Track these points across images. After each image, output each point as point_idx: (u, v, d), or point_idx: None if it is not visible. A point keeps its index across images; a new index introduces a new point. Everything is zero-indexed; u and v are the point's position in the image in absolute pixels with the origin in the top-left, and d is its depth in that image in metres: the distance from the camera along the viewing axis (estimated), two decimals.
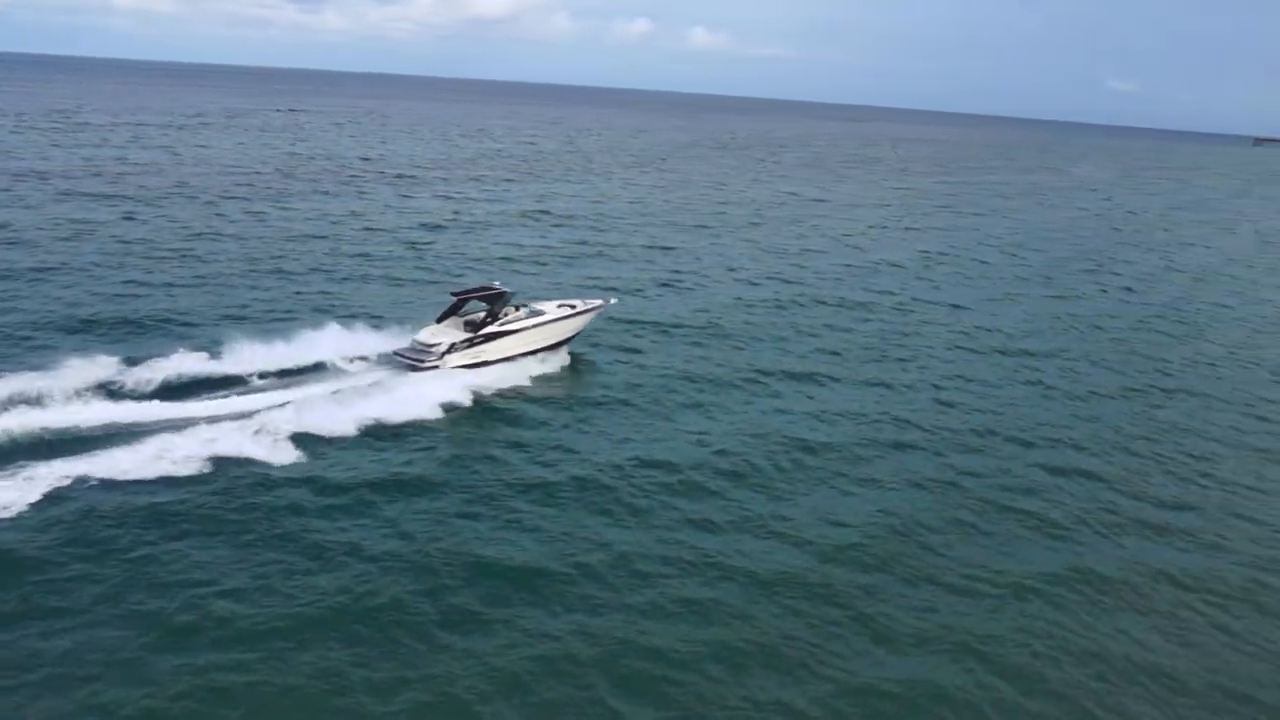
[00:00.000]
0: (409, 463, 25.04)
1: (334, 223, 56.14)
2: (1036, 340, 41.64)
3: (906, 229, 72.59)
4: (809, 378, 33.97)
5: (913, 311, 45.41)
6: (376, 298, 40.02)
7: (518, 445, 26.68)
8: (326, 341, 31.94)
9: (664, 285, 46.96)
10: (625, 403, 30.00)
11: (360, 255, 48.29)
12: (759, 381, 33.05)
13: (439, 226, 57.92)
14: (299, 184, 71.46)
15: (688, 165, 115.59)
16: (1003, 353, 39.05)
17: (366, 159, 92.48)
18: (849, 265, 56.06)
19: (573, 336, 35.17)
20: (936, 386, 33.95)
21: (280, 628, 17.66)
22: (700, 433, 27.75)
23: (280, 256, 46.52)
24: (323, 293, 40.34)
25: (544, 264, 50.05)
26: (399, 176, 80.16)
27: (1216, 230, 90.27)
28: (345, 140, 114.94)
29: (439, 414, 28.27)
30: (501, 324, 32.75)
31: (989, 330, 42.48)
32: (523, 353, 33.24)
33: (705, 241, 59.84)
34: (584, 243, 56.65)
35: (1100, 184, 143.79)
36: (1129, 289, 55.68)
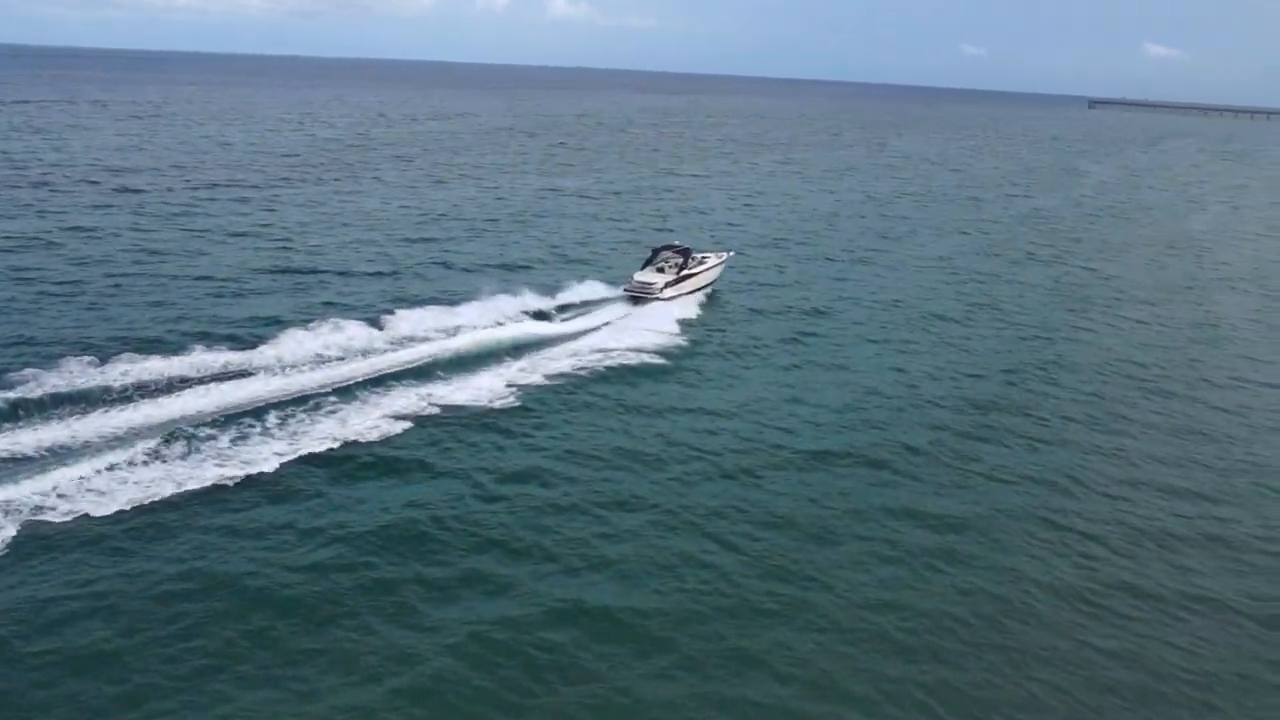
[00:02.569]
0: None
1: None
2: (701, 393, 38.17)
3: (660, 229, 69.01)
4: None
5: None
6: None
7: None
8: (588, 285, 46.95)
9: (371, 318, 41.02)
10: None
11: None
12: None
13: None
14: None
15: (477, 157, 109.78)
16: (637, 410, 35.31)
17: (123, 166, 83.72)
18: (556, 277, 51.69)
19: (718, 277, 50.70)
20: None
21: None
22: None
23: None
24: None
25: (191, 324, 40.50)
26: (124, 190, 72.21)
27: (985, 214, 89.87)
28: (117, 138, 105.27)
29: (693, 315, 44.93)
30: (690, 268, 47.42)
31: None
32: (701, 286, 48.43)
33: (403, 262, 54.67)
34: (285, 269, 50.69)
35: (913, 158, 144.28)
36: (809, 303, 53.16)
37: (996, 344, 44.48)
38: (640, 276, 46.51)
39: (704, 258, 49.56)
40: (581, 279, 48.08)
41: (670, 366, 37.77)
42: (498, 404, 32.68)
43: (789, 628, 20.34)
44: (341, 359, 36.18)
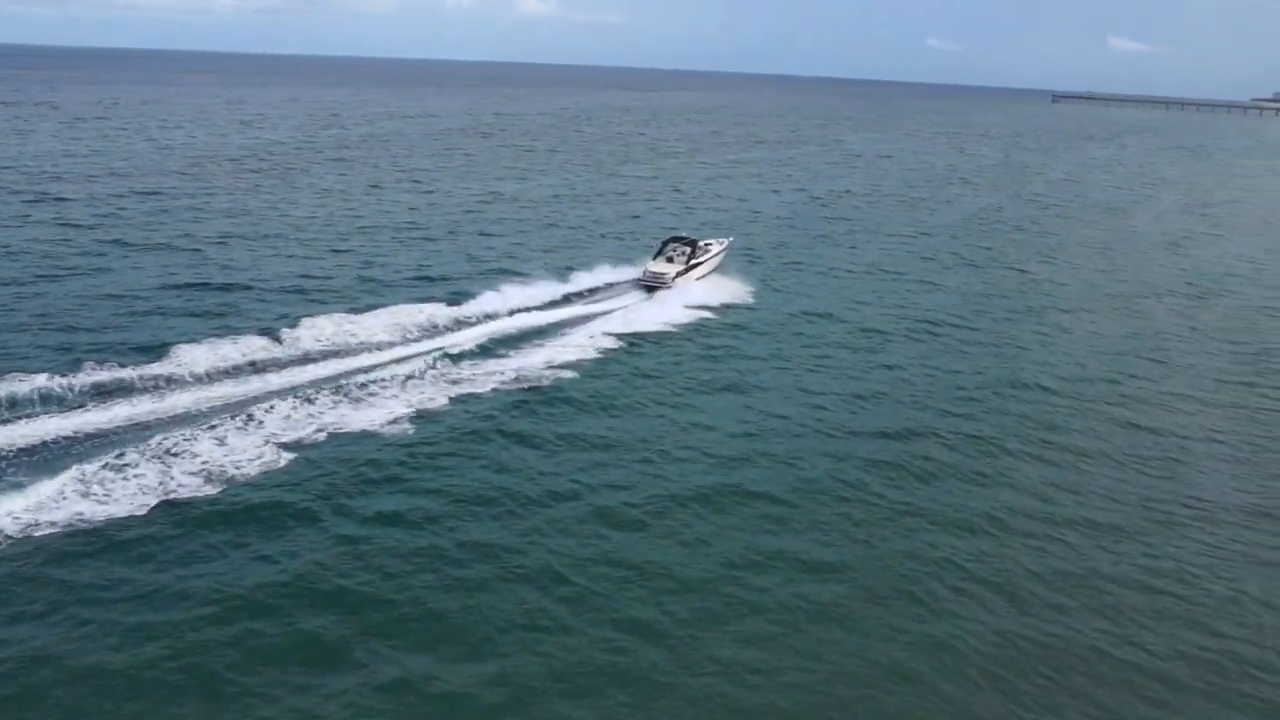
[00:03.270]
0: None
1: None
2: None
3: (591, 235, 67.91)
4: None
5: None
6: None
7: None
8: (595, 273, 51.84)
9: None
10: None
11: None
12: None
13: None
14: None
15: (421, 160, 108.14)
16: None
17: (53, 174, 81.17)
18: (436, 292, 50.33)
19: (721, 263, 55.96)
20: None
21: None
22: None
23: None
24: None
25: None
26: (45, 199, 70.16)
27: (927, 215, 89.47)
28: (54, 142, 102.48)
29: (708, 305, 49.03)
30: (697, 257, 52.56)
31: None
32: (706, 273, 53.42)
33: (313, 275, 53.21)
34: (195, 283, 48.83)
35: (866, 155, 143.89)
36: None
37: (915, 358, 43.52)
38: (652, 267, 51.48)
39: (707, 245, 54.93)
40: (591, 269, 52.80)
41: (574, 385, 36.44)
42: (389, 430, 31.50)
43: (624, 697, 19.27)
44: (242, 375, 35.22)
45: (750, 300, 51.93)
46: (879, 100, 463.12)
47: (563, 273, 52.08)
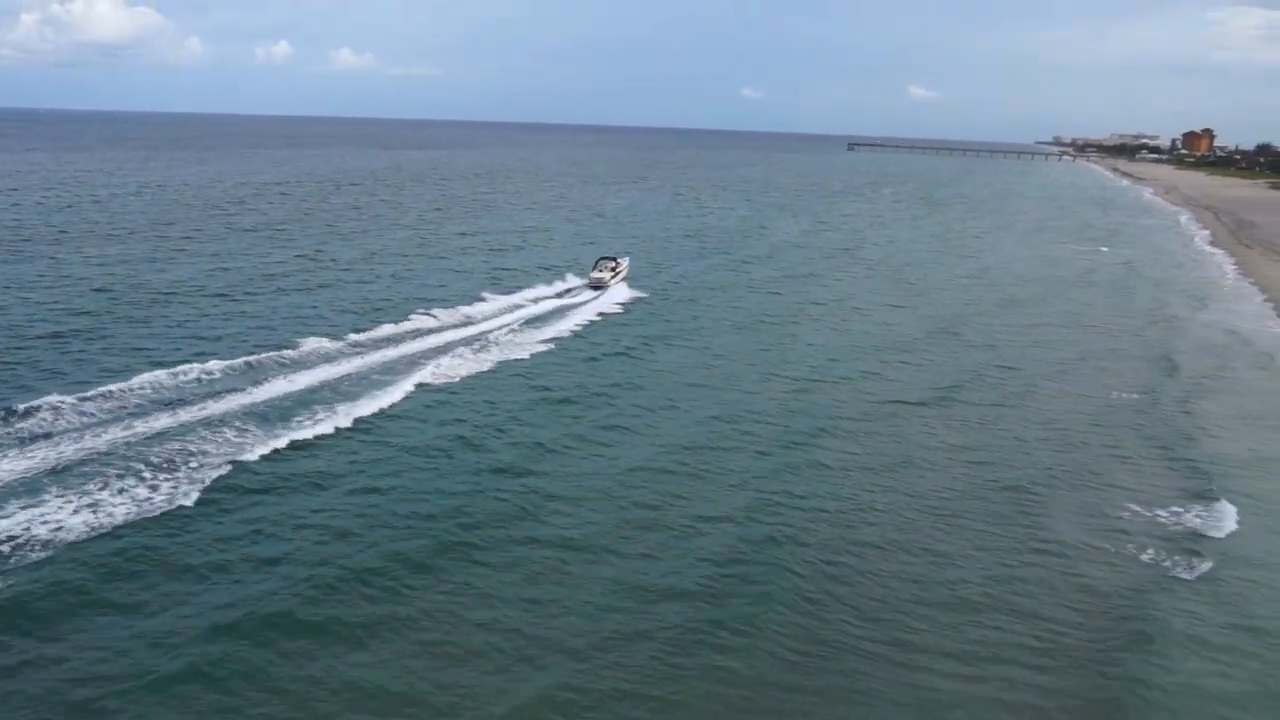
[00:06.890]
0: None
1: None
2: None
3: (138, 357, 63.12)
4: None
5: None
6: None
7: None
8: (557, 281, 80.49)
9: None
10: None
11: None
12: None
13: None
14: None
15: (100, 247, 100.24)
16: None
17: None
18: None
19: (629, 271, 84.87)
20: None
21: None
22: None
23: None
24: None
25: None
26: None
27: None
28: None
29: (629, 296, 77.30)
30: (617, 268, 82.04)
31: None
32: (623, 278, 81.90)
33: None
34: None
35: (620, 219, 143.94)
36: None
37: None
38: (594, 275, 79.15)
39: (620, 259, 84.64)
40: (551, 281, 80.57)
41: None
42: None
43: None
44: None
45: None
46: (679, 150, 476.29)
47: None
